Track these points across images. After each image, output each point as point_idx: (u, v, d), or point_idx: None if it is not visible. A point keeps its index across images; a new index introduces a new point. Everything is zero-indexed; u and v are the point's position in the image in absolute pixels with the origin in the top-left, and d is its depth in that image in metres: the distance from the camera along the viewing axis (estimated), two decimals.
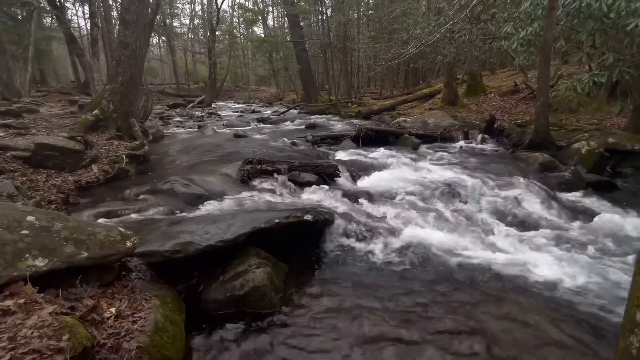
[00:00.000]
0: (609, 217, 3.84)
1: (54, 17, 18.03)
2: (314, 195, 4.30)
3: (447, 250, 3.15)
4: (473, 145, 7.23)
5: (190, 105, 17.88)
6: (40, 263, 1.81)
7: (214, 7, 20.07)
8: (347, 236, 3.38)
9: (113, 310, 1.84)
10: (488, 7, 10.16)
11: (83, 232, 2.06)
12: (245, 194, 4.24)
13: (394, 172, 5.26)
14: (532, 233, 3.51)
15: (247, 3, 31.65)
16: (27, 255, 1.80)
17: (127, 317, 1.84)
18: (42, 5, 16.14)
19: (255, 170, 4.67)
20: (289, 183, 4.59)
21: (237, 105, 21.29)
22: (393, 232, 3.49)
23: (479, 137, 7.42)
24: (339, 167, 5.03)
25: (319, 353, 2.04)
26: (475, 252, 3.12)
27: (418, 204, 4.16)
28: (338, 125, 10.86)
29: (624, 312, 1.30)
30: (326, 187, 4.55)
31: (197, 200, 3.98)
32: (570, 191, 4.65)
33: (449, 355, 2.01)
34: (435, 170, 5.29)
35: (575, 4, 5.03)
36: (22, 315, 1.53)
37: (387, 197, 4.34)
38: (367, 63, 19.64)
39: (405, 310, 2.40)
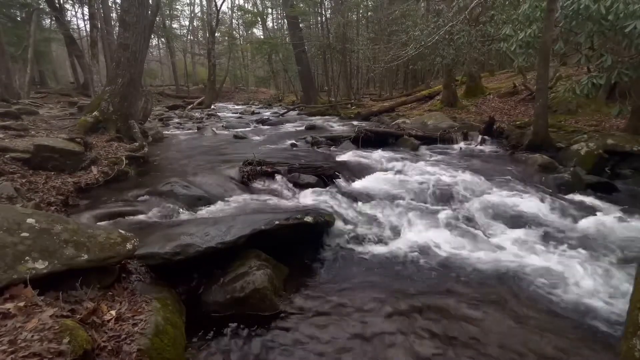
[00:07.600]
0: (608, 218, 3.84)
1: (54, 18, 18.04)
2: (314, 197, 4.29)
3: (446, 252, 3.16)
4: (472, 146, 7.24)
5: (189, 107, 17.88)
6: (41, 266, 1.81)
7: (214, 8, 20.09)
8: (347, 238, 3.38)
9: (113, 312, 1.83)
10: (487, 9, 10.19)
11: (83, 235, 2.05)
12: (245, 196, 4.24)
13: (394, 173, 5.26)
14: (531, 234, 3.51)
15: (246, 5, 31.78)
16: (27, 257, 1.80)
17: (128, 320, 1.83)
18: (42, 6, 16.14)
19: (255, 171, 4.67)
20: (289, 184, 4.59)
21: (236, 107, 21.29)
22: (393, 233, 3.50)
23: (479, 138, 7.43)
24: (339, 169, 5.03)
25: (320, 355, 2.03)
26: (474, 254, 3.12)
27: (417, 205, 4.17)
28: (337, 127, 10.86)
29: (627, 315, 1.31)
30: (326, 188, 4.56)
31: (197, 201, 3.98)
32: (569, 192, 4.65)
33: (448, 356, 2.01)
34: (434, 171, 5.29)
35: (574, 6, 5.04)
36: (23, 318, 1.52)
37: (386, 198, 4.34)
38: (367, 64, 19.68)
39: (406, 312, 2.39)
